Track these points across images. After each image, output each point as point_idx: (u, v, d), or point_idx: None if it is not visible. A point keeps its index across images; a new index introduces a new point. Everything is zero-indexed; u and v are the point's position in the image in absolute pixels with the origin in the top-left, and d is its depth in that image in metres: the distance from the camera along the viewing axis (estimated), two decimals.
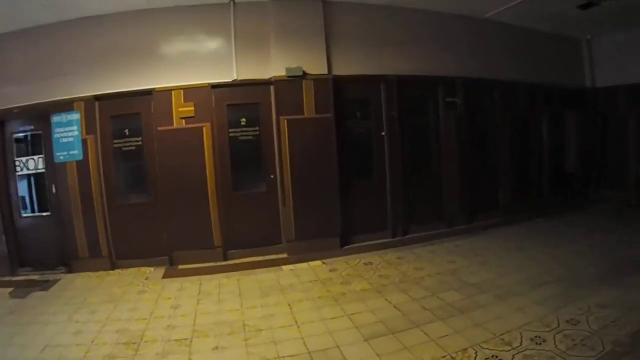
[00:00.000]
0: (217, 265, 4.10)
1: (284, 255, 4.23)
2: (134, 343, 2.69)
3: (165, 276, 3.91)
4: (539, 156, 5.88)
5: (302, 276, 3.72)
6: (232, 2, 4.19)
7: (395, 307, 2.97)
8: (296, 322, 2.84)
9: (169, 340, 2.69)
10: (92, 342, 2.72)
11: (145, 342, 2.70)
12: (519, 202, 5.50)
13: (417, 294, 3.17)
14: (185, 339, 2.71)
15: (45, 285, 3.86)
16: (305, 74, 4.25)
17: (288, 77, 4.20)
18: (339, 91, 4.46)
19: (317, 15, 4.35)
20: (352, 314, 2.89)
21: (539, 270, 3.52)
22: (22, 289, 3.77)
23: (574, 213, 5.56)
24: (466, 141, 5.07)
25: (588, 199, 6.18)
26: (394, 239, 4.64)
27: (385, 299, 3.10)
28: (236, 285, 3.61)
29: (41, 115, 4.10)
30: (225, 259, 4.20)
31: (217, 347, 2.58)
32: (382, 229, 4.66)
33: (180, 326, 2.90)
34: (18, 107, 4.06)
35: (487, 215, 5.22)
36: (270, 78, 4.22)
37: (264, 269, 3.94)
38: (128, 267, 4.14)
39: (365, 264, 3.94)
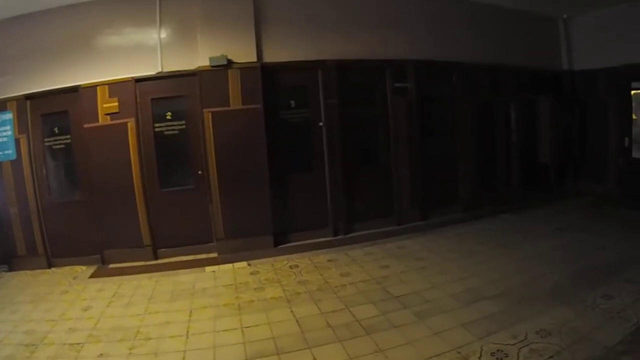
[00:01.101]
0: (147, 265, 4.03)
1: (214, 255, 4.09)
2: (33, 345, 2.67)
3: (92, 276, 3.89)
4: (506, 146, 5.37)
5: (220, 279, 3.56)
6: None
7: (297, 321, 2.73)
8: (188, 332, 2.70)
9: (64, 344, 2.66)
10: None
11: (44, 344, 2.68)
12: (483, 196, 5.05)
13: (328, 306, 2.90)
14: (79, 343, 2.66)
15: None
16: (231, 62, 4.03)
17: (212, 67, 4.00)
18: (271, 80, 4.21)
19: (247, 1, 4.10)
20: (249, 326, 2.70)
21: (484, 279, 3.11)
22: None
23: (546, 207, 5.05)
24: (419, 131, 4.66)
25: (563, 192, 5.60)
26: (335, 238, 4.37)
27: (291, 311, 2.88)
28: (152, 287, 3.52)
29: None
30: (156, 258, 4.13)
31: (102, 355, 2.52)
32: (323, 226, 4.40)
33: (81, 330, 2.85)
34: None
35: (445, 211, 4.83)
36: (196, 69, 4.04)
37: (188, 270, 3.82)
38: (63, 265, 4.18)
39: (291, 267, 3.72)
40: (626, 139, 5.06)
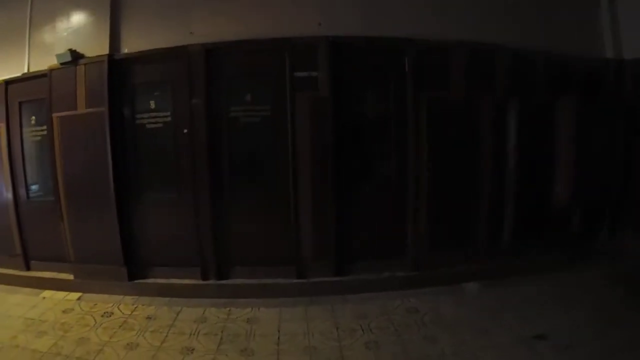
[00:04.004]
0: (18, 275, 3.89)
1: (71, 277, 3.67)
2: None
3: None
4: (497, 172, 3.42)
5: (36, 309, 3.09)
6: None
7: None
8: None
9: None
10: None
11: None
12: (450, 248, 3.32)
13: None
14: None
15: None
16: (78, 57, 3.41)
17: (61, 64, 3.45)
18: (125, 77, 3.44)
19: None
20: None
21: None
22: None
23: (549, 278, 3.10)
24: (333, 140, 3.26)
25: (592, 251, 3.35)
26: (205, 282, 3.40)
27: None
28: None
29: None
30: (28, 269, 3.95)
31: None
32: (190, 264, 3.45)
33: None
34: None
35: (381, 265, 3.34)
36: (48, 68, 3.55)
37: (30, 290, 3.51)
38: None
39: (102, 315, 2.93)
40: None
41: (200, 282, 3.43)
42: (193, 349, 2.34)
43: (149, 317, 2.80)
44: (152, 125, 3.49)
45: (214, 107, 3.34)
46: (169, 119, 3.45)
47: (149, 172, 3.57)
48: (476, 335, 2.38)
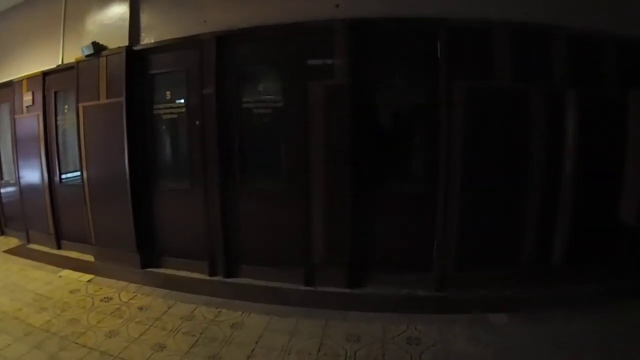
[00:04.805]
0: (48, 253, 4.15)
1: (92, 259, 3.85)
2: None
3: (6, 252, 4.25)
4: (549, 180, 2.87)
5: (51, 285, 3.26)
6: None
7: None
8: None
9: None
10: None
11: None
12: (482, 267, 2.89)
13: None
14: None
15: None
16: (100, 49, 3.48)
17: (86, 56, 3.55)
18: (143, 67, 3.45)
19: None
20: None
21: None
22: None
23: (611, 313, 2.45)
24: (350, 138, 2.94)
25: None
26: (211, 279, 3.33)
27: None
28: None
29: None
30: (59, 248, 4.23)
31: None
32: (199, 258, 3.39)
33: None
34: None
35: (400, 279, 2.98)
36: (75, 60, 3.68)
37: (56, 268, 3.68)
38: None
39: (102, 299, 2.96)
40: None
41: (207, 277, 3.37)
42: (164, 347, 2.25)
43: (141, 308, 2.78)
44: (168, 116, 3.47)
45: (225, 98, 3.21)
46: (183, 109, 3.38)
47: (164, 162, 3.59)
48: None
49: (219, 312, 2.65)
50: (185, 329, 2.44)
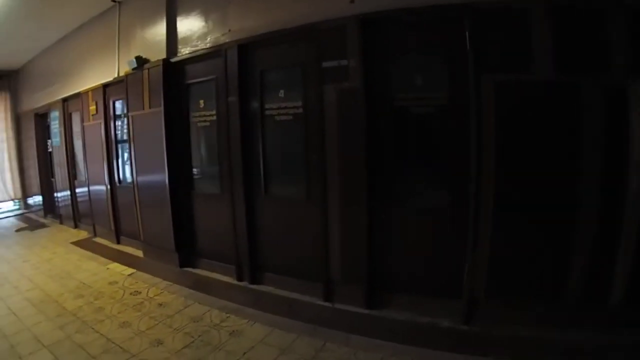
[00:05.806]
0: (107, 247, 4.73)
1: (141, 254, 4.28)
2: None
3: (73, 243, 4.96)
4: (607, 196, 2.36)
5: (81, 274, 3.71)
6: (118, 7, 4.29)
7: None
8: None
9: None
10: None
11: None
12: (514, 302, 2.53)
13: None
14: None
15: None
16: (143, 63, 3.82)
17: (132, 69, 3.94)
18: (180, 77, 3.70)
19: None
20: None
21: None
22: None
23: None
24: (365, 145, 2.74)
25: None
26: (238, 283, 3.41)
27: None
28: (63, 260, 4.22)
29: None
30: (118, 243, 4.78)
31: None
32: (230, 262, 3.51)
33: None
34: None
35: (422, 305, 2.70)
36: (125, 73, 4.09)
37: (107, 261, 4.16)
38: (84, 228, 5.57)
39: (132, 292, 3.23)
40: None
41: (235, 281, 3.45)
42: (162, 343, 2.39)
43: (161, 304, 3.00)
44: (202, 124, 3.66)
45: (249, 105, 3.27)
46: (214, 117, 3.55)
47: (199, 167, 3.80)
48: None
49: (227, 317, 2.73)
50: (188, 329, 2.57)
